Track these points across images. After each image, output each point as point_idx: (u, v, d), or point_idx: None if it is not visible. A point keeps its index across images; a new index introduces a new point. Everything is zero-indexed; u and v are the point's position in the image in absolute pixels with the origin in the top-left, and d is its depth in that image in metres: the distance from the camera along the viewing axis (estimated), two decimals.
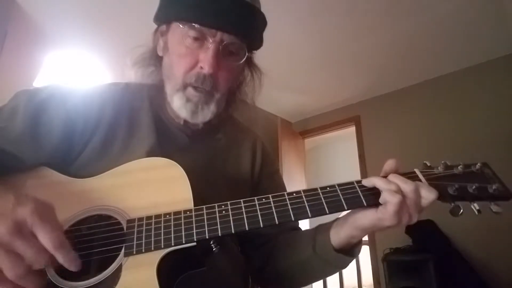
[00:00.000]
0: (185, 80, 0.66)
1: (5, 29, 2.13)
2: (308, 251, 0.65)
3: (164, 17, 0.70)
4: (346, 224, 0.60)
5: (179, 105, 0.67)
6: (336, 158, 5.22)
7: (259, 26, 0.72)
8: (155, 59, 0.73)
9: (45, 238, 0.43)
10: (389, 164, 0.58)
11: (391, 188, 0.53)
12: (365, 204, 0.55)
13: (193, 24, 0.63)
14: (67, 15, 2.30)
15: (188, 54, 0.65)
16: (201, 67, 0.64)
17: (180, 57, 0.66)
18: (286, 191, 0.58)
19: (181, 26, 0.65)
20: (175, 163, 0.59)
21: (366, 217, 0.56)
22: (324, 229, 0.65)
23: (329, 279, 3.42)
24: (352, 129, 3.68)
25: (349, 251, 0.62)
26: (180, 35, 0.66)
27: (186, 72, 0.66)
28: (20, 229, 0.42)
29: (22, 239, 0.42)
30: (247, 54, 0.69)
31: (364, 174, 3.38)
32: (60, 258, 0.44)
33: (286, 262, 0.71)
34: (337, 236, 0.61)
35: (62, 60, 2.67)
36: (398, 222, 0.53)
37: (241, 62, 0.69)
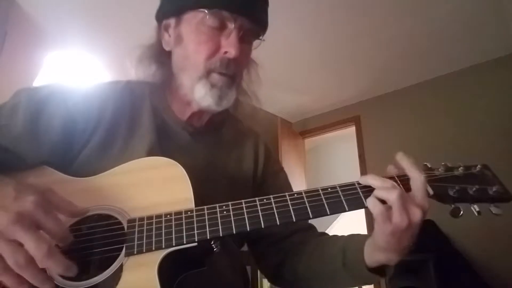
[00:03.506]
0: (208, 66, 0.66)
1: (5, 29, 2.12)
2: (336, 264, 0.63)
3: (173, 9, 0.70)
4: (376, 248, 0.56)
5: (203, 94, 0.67)
6: (336, 158, 5.21)
7: (267, 12, 0.73)
8: (159, 56, 0.73)
9: (51, 228, 0.45)
10: (401, 158, 0.56)
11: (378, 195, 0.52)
12: (366, 205, 0.54)
13: (214, 9, 0.64)
14: (67, 15, 2.29)
15: (209, 40, 0.66)
16: (225, 52, 0.65)
17: (200, 45, 0.66)
18: (291, 189, 0.57)
19: (199, 13, 0.65)
20: (176, 162, 0.59)
21: (378, 235, 0.53)
22: (356, 244, 0.61)
23: None
24: (352, 129, 3.68)
25: (382, 270, 0.59)
26: (198, 23, 0.66)
27: (208, 58, 0.66)
28: (22, 220, 0.43)
29: (23, 229, 0.43)
30: (262, 39, 0.71)
31: (364, 174, 3.28)
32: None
33: (311, 268, 0.69)
34: (371, 257, 0.58)
35: (62, 60, 2.67)
36: (392, 229, 0.50)
37: (255, 47, 0.71)
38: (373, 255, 0.57)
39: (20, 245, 0.43)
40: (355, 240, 0.63)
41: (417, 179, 0.52)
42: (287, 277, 0.74)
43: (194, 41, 0.67)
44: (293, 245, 0.73)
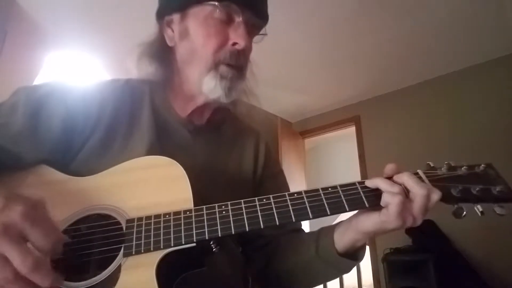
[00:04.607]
0: (217, 58, 0.67)
1: (5, 29, 2.12)
2: (310, 253, 0.64)
3: (179, 5, 0.70)
4: (349, 228, 0.59)
5: (212, 85, 0.67)
6: (336, 158, 5.22)
7: (267, 5, 0.75)
8: (160, 53, 0.72)
9: (37, 241, 0.42)
10: (390, 168, 0.57)
11: (393, 190, 0.52)
12: (367, 205, 0.54)
13: (224, 2, 0.65)
14: (67, 15, 2.29)
15: (218, 32, 0.67)
16: (234, 44, 0.66)
17: (208, 37, 0.67)
18: (289, 191, 0.57)
19: (207, 7, 0.66)
20: (175, 162, 0.58)
21: (370, 220, 0.55)
22: (327, 231, 0.64)
23: None
24: (352, 129, 3.68)
25: (353, 255, 0.61)
26: (206, 16, 0.67)
27: (217, 50, 0.67)
28: (7, 232, 0.41)
29: (9, 242, 0.41)
30: (264, 33, 0.73)
31: (364, 174, 3.37)
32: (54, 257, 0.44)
33: (288, 263, 0.70)
34: (341, 240, 0.60)
35: (62, 60, 2.66)
36: (402, 224, 0.52)
37: (257, 42, 0.73)
38: (343, 236, 0.60)
39: (5, 257, 0.40)
40: (327, 229, 0.65)
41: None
42: (271, 280, 0.74)
43: (203, 34, 0.67)
44: (276, 250, 0.73)
